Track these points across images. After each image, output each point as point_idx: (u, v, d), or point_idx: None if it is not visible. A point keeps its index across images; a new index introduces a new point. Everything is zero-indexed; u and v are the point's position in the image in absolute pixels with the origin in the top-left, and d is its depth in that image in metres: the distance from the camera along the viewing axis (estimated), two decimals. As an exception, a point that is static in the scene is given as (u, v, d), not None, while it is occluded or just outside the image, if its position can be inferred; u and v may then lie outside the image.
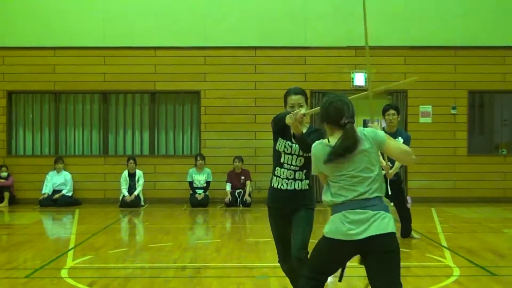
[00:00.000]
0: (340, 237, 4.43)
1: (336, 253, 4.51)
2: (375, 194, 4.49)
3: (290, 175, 5.63)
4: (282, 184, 5.66)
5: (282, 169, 5.66)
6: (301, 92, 5.75)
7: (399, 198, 10.00)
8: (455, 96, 16.69)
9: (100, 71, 16.70)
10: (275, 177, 5.71)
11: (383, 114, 10.02)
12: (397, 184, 9.90)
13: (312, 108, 5.98)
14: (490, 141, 17.76)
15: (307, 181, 5.67)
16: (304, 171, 5.64)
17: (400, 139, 9.95)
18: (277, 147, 5.70)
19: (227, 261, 8.65)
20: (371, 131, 4.61)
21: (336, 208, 4.53)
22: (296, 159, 5.62)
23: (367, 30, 5.54)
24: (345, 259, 4.58)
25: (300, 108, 5.55)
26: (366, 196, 4.46)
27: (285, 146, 5.65)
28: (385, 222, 4.42)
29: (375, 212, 4.43)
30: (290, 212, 5.64)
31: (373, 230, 4.38)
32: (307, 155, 5.51)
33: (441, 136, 16.62)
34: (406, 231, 10.14)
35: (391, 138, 4.80)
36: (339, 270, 4.68)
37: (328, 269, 4.62)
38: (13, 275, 7.74)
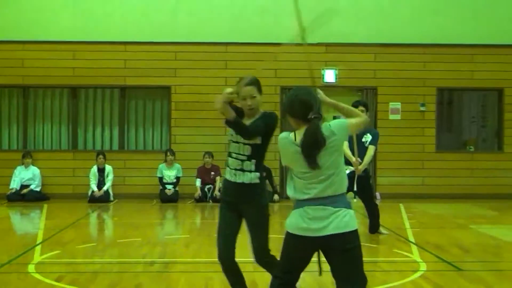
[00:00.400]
0: (300, 232, 4.37)
1: (295, 248, 4.44)
2: (337, 192, 4.39)
3: (238, 166, 5.23)
4: (231, 176, 5.28)
5: (232, 159, 5.27)
6: (253, 82, 5.26)
7: (366, 194, 10.07)
8: (424, 93, 16.83)
9: (70, 66, 16.53)
10: (227, 168, 5.34)
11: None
12: (365, 179, 9.97)
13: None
14: (458, 138, 17.98)
15: (257, 174, 5.24)
16: (253, 161, 5.21)
17: (369, 136, 10.05)
18: (228, 137, 5.35)
19: (196, 256, 8.65)
20: (335, 124, 4.44)
21: (298, 203, 4.45)
22: (242, 147, 5.21)
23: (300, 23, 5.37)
24: (306, 256, 4.47)
25: (227, 88, 5.11)
26: (327, 193, 4.36)
27: (231, 134, 5.26)
28: (345, 220, 4.33)
29: (336, 209, 4.34)
30: (240, 207, 5.32)
31: (333, 228, 4.30)
32: (253, 142, 5.18)
33: (410, 133, 16.75)
34: (374, 226, 10.19)
35: (348, 107, 4.71)
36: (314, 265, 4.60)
37: (291, 266, 4.52)
38: (-21, 270, 7.67)
